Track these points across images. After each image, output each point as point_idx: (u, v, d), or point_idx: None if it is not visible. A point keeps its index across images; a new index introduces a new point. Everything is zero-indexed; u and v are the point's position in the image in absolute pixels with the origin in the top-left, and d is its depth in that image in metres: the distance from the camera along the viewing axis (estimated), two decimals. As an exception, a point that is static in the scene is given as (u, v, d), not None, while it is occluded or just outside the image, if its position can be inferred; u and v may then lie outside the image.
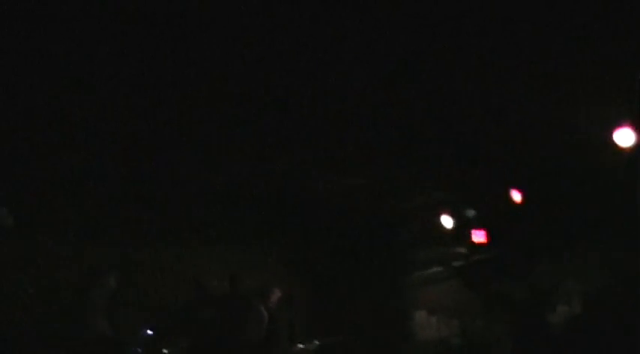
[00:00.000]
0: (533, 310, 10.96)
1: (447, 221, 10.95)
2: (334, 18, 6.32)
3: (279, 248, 12.80)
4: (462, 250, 11.97)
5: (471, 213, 10.99)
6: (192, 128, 8.42)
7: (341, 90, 7.80)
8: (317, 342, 10.76)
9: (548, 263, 11.43)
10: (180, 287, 11.72)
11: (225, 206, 10.76)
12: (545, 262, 11.47)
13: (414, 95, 8.11)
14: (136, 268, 11.50)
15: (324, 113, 8.32)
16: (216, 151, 9.03)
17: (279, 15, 6.19)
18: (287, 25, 6.38)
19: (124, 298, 10.80)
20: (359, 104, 8.18)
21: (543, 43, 7.04)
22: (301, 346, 10.91)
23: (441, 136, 9.15)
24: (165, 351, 9.82)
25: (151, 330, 10.84)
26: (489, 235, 11.14)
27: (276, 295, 10.31)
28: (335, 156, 9.40)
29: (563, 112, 8.62)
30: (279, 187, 10.26)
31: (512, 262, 11.62)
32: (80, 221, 10.75)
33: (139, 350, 9.84)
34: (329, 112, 8.28)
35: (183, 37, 6.49)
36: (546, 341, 10.23)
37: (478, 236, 11.13)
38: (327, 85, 7.64)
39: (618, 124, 8.47)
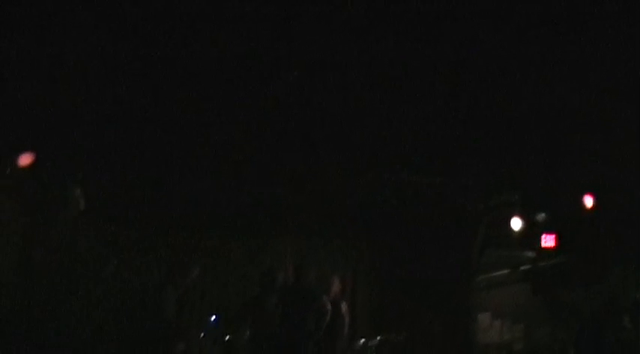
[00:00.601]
0: (599, 318, 10.75)
1: (517, 224, 10.78)
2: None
3: (347, 243, 12.81)
4: (531, 254, 11.80)
5: (541, 217, 10.82)
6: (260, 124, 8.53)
7: (418, 93, 7.86)
8: (379, 338, 10.73)
9: (618, 271, 11.21)
10: (246, 277, 11.87)
11: (294, 199, 10.80)
12: (615, 269, 11.25)
13: (492, 98, 8.10)
14: (205, 257, 11.71)
15: (399, 115, 8.37)
16: (288, 143, 9.10)
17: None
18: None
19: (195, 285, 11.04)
20: (435, 106, 8.21)
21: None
22: (363, 340, 10.92)
23: (516, 138, 9.08)
24: (228, 337, 9.95)
25: (215, 317, 11.02)
26: (559, 240, 10.95)
27: (341, 288, 10.34)
28: (407, 154, 9.39)
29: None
30: (350, 183, 10.27)
31: (580, 268, 11.42)
32: (154, 212, 10.99)
33: (204, 335, 10.00)
34: (404, 113, 8.34)
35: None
36: (612, 352, 10.04)
37: (548, 241, 10.95)
38: (405, 90, 7.72)
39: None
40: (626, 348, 9.80)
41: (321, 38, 7.26)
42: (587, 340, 10.21)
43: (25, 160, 8.63)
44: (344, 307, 10.21)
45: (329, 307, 9.47)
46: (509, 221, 10.79)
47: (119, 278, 11.31)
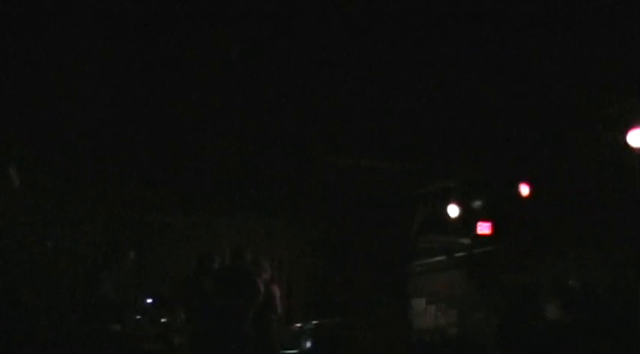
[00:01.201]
0: (533, 305, 10.93)
1: (453, 211, 10.87)
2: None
3: (286, 225, 12.86)
4: (466, 240, 11.94)
5: (477, 204, 10.92)
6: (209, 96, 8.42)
7: (359, 77, 7.85)
8: (314, 322, 10.81)
9: (552, 259, 11.40)
10: (182, 258, 11.83)
11: (236, 179, 10.75)
12: (549, 257, 11.44)
13: (428, 85, 8.12)
14: (143, 237, 11.67)
15: (342, 98, 8.36)
16: (232, 121, 9.01)
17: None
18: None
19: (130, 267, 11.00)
20: (375, 90, 8.21)
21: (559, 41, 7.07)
22: (298, 325, 10.98)
23: (452, 125, 9.13)
24: (163, 320, 9.94)
25: (151, 299, 10.98)
26: (495, 228, 11.10)
27: (277, 272, 10.37)
28: (346, 139, 9.39)
29: (578, 108, 8.61)
30: (295, 165, 10.23)
31: (515, 255, 11.60)
32: (92, 186, 10.87)
33: (139, 317, 9.96)
34: (348, 96, 8.33)
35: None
36: (543, 337, 10.21)
37: (483, 228, 11.08)
38: (347, 71, 7.70)
39: (632, 125, 8.43)
40: (552, 335, 9.99)
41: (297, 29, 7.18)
42: (521, 325, 10.39)
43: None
44: (279, 291, 10.23)
45: (262, 290, 9.46)
46: (446, 208, 10.88)
47: (56, 257, 11.21)
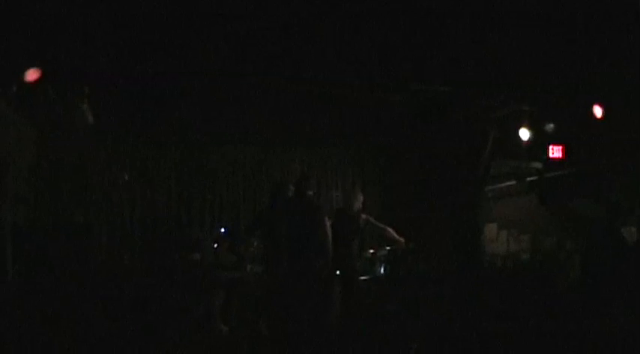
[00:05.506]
0: (606, 230, 10.83)
1: (525, 135, 10.76)
2: None
3: (355, 155, 12.94)
4: (538, 165, 11.82)
5: (549, 127, 10.79)
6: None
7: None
8: (388, 248, 10.91)
9: (625, 183, 11.24)
10: (257, 188, 12.06)
11: (303, 110, 10.81)
12: (622, 181, 11.28)
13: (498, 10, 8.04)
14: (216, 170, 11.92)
15: (401, 23, 8.32)
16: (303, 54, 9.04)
17: None
18: None
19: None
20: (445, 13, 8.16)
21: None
22: (371, 251, 11.09)
23: (523, 49, 9.01)
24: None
25: (225, 229, 11.29)
26: (566, 151, 10.96)
27: (350, 199, 10.45)
28: (416, 64, 9.33)
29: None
30: (361, 95, 10.22)
31: (588, 179, 11.46)
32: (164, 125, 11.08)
33: (215, 245, 10.28)
34: (407, 21, 8.29)
35: None
36: (618, 263, 10.12)
37: (555, 151, 10.95)
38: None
39: None
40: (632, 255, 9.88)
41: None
42: (595, 251, 10.32)
43: (31, 75, 8.60)
44: (353, 218, 10.33)
45: (327, 221, 9.53)
46: (517, 132, 10.77)
47: (132, 192, 11.51)
